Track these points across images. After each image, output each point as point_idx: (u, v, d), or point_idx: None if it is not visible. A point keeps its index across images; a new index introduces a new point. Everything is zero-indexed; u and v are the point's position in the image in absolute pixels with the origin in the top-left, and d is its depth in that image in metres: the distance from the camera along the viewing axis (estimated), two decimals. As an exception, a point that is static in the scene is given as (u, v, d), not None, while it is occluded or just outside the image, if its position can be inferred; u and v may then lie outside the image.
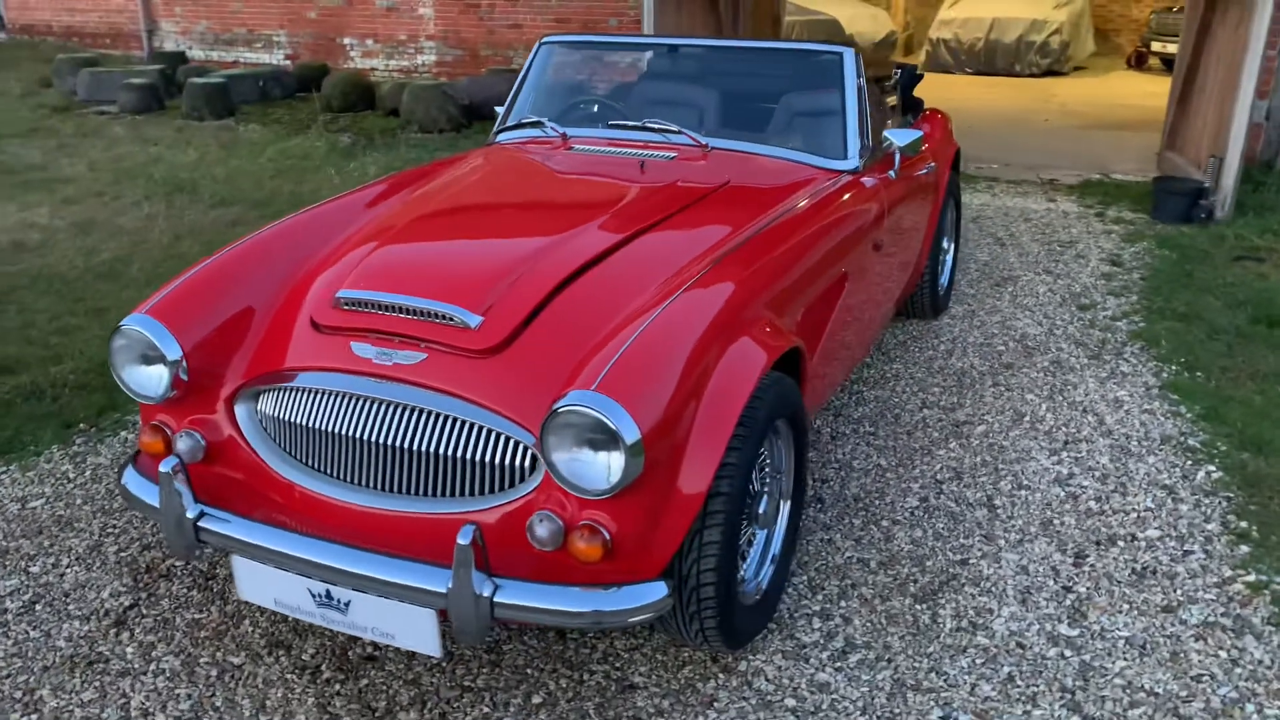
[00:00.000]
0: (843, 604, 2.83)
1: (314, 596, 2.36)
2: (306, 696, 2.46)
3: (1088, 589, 2.90)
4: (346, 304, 2.55)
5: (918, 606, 2.82)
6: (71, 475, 3.46)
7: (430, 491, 2.39)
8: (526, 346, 2.40)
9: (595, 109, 3.83)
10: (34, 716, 2.40)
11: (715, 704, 2.45)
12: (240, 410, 2.61)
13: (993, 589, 2.89)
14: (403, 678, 2.53)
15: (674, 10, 7.54)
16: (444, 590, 2.17)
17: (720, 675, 2.54)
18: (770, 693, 2.49)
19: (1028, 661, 2.61)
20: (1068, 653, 2.64)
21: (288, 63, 12.83)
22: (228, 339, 2.67)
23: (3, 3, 15.22)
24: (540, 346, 2.40)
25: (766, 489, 2.74)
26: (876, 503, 3.32)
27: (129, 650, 2.62)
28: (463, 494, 2.36)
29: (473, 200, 3.17)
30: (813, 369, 2.99)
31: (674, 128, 3.54)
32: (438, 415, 2.35)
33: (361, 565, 2.26)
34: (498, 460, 2.31)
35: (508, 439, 2.29)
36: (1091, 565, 3.01)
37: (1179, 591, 2.89)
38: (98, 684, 2.50)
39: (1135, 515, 3.26)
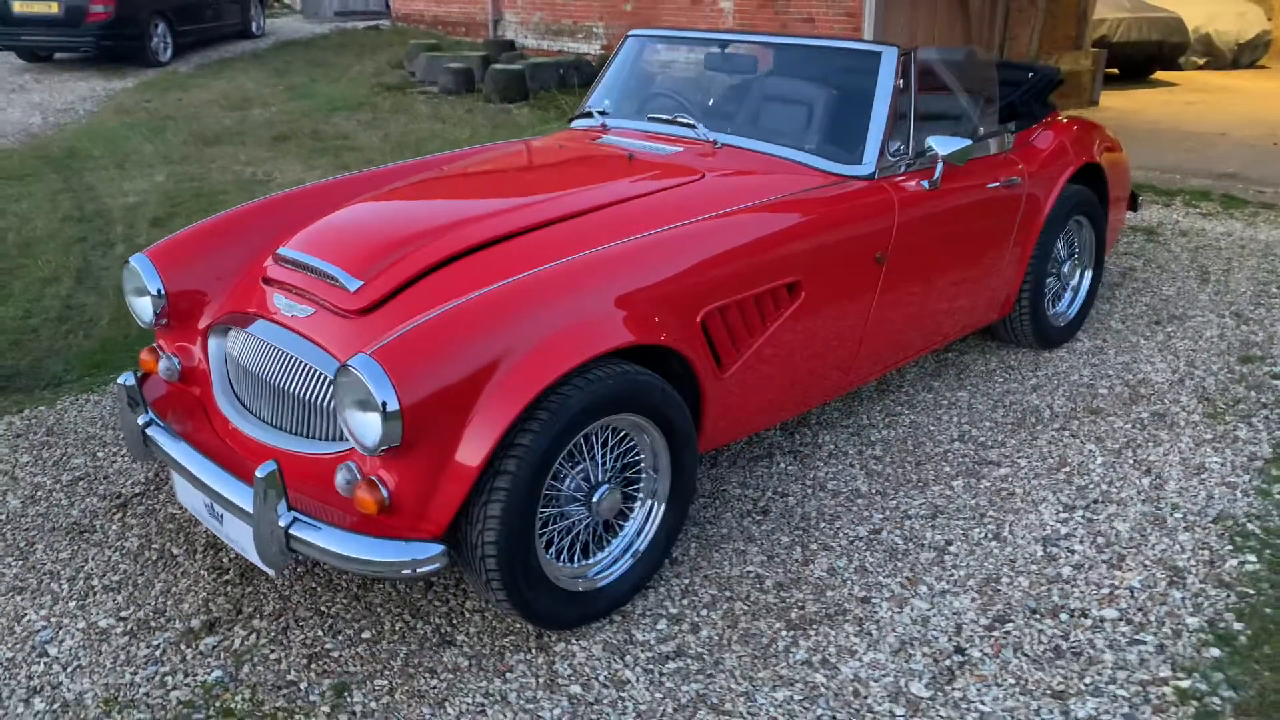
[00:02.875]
0: (704, 613, 2.77)
1: (206, 507, 2.76)
2: (201, 591, 2.88)
3: (981, 655, 2.61)
4: (280, 260, 2.93)
5: (783, 633, 2.70)
6: (176, 387, 4.18)
7: (303, 432, 2.70)
8: (390, 312, 2.63)
9: (645, 101, 3.91)
10: (20, 563, 3.02)
11: (508, 673, 2.55)
12: (212, 343, 3.07)
13: (872, 633, 2.69)
14: (280, 592, 2.87)
15: (907, 8, 7.22)
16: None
17: (532, 650, 2.63)
18: (564, 676, 2.54)
19: (849, 710, 2.43)
20: (899, 711, 2.42)
21: (603, 53, 13.71)
22: (215, 281, 3.14)
23: (391, -6, 17.53)
24: (401, 313, 2.60)
25: (631, 484, 2.76)
26: (821, 526, 3.16)
27: (113, 528, 3.19)
28: (323, 438, 2.66)
29: (454, 178, 3.42)
30: (731, 378, 2.92)
31: (690, 122, 3.56)
32: (303, 364, 2.65)
33: (217, 483, 2.62)
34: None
35: (348, 392, 2.54)
36: (1006, 632, 2.69)
37: (1088, 679, 2.52)
38: (74, 548, 3.08)
39: (1108, 591, 2.85)
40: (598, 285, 2.60)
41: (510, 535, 2.41)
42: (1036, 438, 3.70)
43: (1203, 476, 3.43)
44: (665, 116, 3.69)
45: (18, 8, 12.50)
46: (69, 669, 2.58)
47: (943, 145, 3.37)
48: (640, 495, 2.82)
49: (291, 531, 2.41)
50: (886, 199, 3.30)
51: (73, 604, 2.83)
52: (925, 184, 3.44)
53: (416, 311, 2.56)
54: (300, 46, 15.53)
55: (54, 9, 12.52)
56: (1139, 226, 6.25)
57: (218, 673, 2.56)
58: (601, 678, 2.54)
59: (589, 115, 3.97)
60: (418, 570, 2.38)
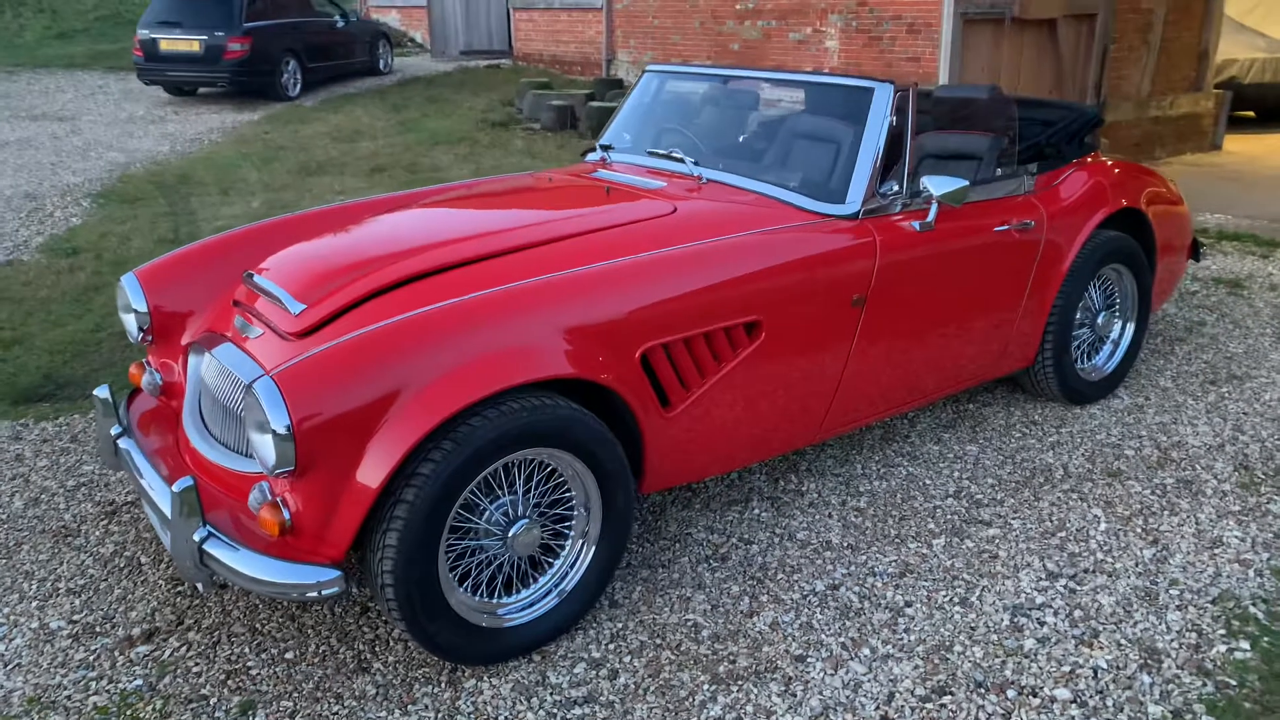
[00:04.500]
0: (627, 659, 2.68)
1: (156, 519, 2.85)
2: (153, 600, 2.96)
3: (907, 727, 2.43)
4: (246, 282, 3.02)
5: (705, 686, 2.58)
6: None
7: (244, 450, 2.76)
8: (326, 336, 2.66)
9: (655, 135, 3.87)
10: (3, 561, 3.18)
11: (411, 705, 2.52)
12: (190, 360, 3.18)
13: (797, 694, 2.55)
14: (223, 607, 2.92)
15: (988, 45, 6.97)
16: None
17: (442, 684, 2.59)
18: (464, 713, 2.49)
19: (747, 774, 2.30)
20: (800, 781, 2.28)
21: (707, 91, 13.74)
22: (202, 302, 3.26)
23: (513, 36, 18.10)
24: (334, 338, 2.64)
25: (563, 521, 2.71)
26: (779, 577, 3.03)
27: (95, 534, 3.32)
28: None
29: (429, 209, 3.44)
30: (679, 418, 2.84)
31: (680, 157, 3.51)
32: (240, 382, 2.71)
33: (159, 497, 2.69)
34: (267, 431, 2.61)
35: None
36: (943, 705, 2.50)
37: (1017, 765, 2.31)
38: (54, 549, 3.23)
39: (1070, 669, 2.62)
40: (518, 317, 2.56)
41: (409, 565, 2.39)
42: (1040, 498, 3.46)
43: (1215, 551, 3.13)
44: (662, 151, 3.65)
45: (164, 46, 13.45)
46: (8, 667, 2.69)
47: (937, 185, 3.21)
48: (571, 534, 2.76)
49: (205, 548, 2.45)
50: (867, 239, 3.16)
51: (34, 604, 2.95)
52: (915, 225, 3.28)
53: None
54: (422, 84, 16.15)
55: (195, 47, 13.43)
56: (1222, 278, 5.82)
57: (139, 682, 2.62)
58: (501, 718, 2.48)
59: (593, 149, 3.97)
60: (322, 593, 2.39)
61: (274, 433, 2.27)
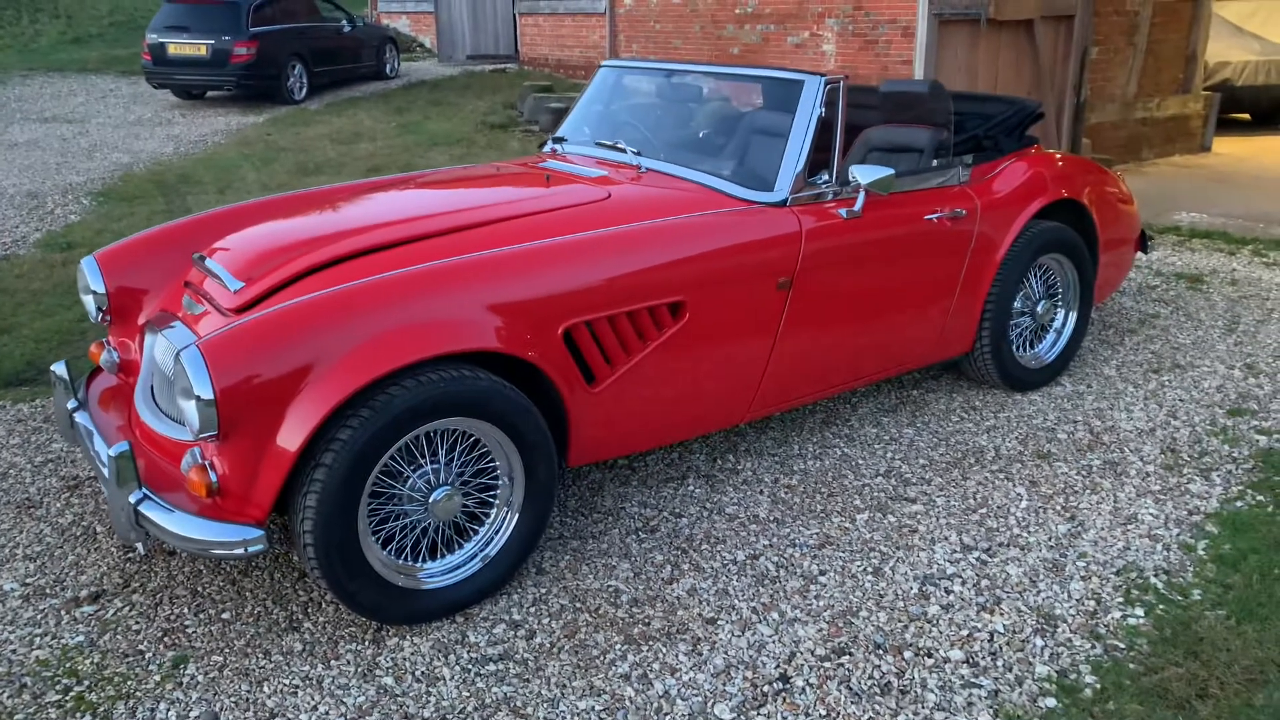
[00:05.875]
0: (546, 621, 2.81)
1: (104, 487, 2.99)
2: (104, 565, 3.11)
3: (804, 685, 2.54)
4: (195, 263, 3.17)
5: (617, 646, 2.70)
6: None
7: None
8: (257, 311, 2.80)
9: (608, 128, 4.00)
10: (-32, 529, 3.35)
11: (334, 661, 2.65)
12: (147, 339, 3.33)
13: (703, 653, 2.66)
14: (169, 572, 3.06)
15: (965, 47, 7.07)
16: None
17: (366, 642, 2.72)
18: (382, 668, 2.62)
19: (645, 725, 2.42)
20: (692, 731, 2.40)
21: (706, 94, 13.86)
22: (160, 283, 3.41)
23: (519, 41, 18.30)
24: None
25: (489, 489, 2.83)
26: (703, 548, 3.14)
27: (55, 506, 3.48)
28: (200, 428, 2.85)
29: (376, 195, 3.59)
30: (605, 394, 2.97)
31: (623, 147, 3.64)
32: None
33: (100, 461, 2.84)
34: (205, 401, 2.75)
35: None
36: (840, 664, 2.61)
37: (900, 718, 2.42)
38: (16, 519, 3.38)
39: (968, 633, 2.72)
40: (439, 293, 2.69)
41: (328, 526, 2.52)
42: (968, 478, 3.56)
43: (1128, 528, 3.22)
44: (608, 143, 3.78)
45: (172, 50, 13.73)
46: (-39, 623, 2.84)
47: (864, 174, 3.33)
48: (496, 502, 2.88)
49: (139, 509, 2.60)
50: (792, 225, 3.28)
51: (-8, 568, 3.11)
52: (843, 213, 3.40)
53: (282, 312, 2.73)
54: (427, 87, 16.35)
55: (202, 51, 13.69)
56: (1185, 273, 5.90)
57: (80, 638, 2.76)
58: (418, 672, 2.61)
59: (547, 141, 4.11)
60: (247, 550, 2.52)
61: (198, 398, 2.41)
